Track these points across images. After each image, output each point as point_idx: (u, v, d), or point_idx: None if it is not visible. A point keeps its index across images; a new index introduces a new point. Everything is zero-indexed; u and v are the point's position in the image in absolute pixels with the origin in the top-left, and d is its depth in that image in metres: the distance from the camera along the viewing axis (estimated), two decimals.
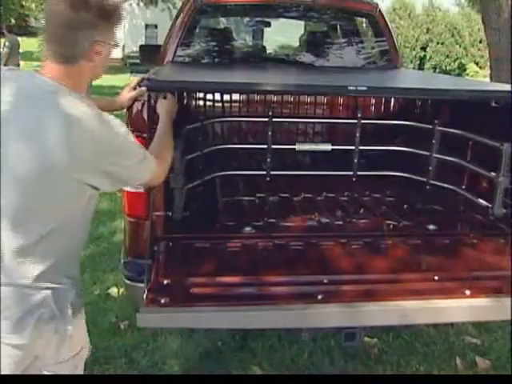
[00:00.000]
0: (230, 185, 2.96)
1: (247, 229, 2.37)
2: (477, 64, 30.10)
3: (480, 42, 28.84)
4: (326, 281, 1.94)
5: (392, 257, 2.18)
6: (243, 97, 3.64)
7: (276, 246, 2.24)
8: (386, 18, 4.03)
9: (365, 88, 2.00)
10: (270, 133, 3.03)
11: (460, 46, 30.26)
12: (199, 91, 3.39)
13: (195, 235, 2.29)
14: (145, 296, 1.81)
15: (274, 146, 3.04)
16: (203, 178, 2.74)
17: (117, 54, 30.98)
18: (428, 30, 30.36)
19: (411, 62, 29.27)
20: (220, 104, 3.67)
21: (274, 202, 2.82)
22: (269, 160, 3.04)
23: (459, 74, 27.67)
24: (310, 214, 2.61)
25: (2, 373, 1.45)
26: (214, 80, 2.59)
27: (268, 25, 4.75)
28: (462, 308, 1.89)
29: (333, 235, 2.38)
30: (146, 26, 34.34)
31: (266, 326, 2.13)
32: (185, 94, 3.24)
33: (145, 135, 2.06)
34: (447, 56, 30.10)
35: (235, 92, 3.43)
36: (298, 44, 5.14)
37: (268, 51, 4.94)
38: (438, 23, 30.30)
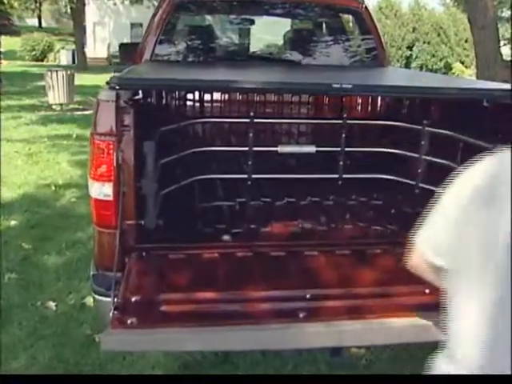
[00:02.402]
0: (208, 190, 2.82)
1: (226, 237, 2.24)
2: (462, 63, 30.32)
3: (466, 41, 29.05)
4: (308, 296, 1.80)
5: (380, 268, 2.05)
6: (223, 96, 3.49)
7: (256, 257, 2.11)
8: (373, 16, 3.91)
9: (350, 86, 1.89)
10: (251, 134, 2.89)
11: (446, 45, 30.46)
12: (171, 90, 3.20)
13: (170, 245, 2.14)
14: (111, 315, 1.65)
15: (255, 149, 2.90)
16: (180, 183, 2.59)
17: (102, 53, 30.76)
18: (414, 29, 30.52)
19: (398, 61, 29.41)
20: (199, 104, 3.52)
21: (256, 207, 2.69)
22: (250, 163, 2.90)
23: (445, 73, 27.83)
24: (293, 220, 2.48)
25: None
26: (188, 78, 2.45)
27: (251, 22, 4.60)
28: None
29: (316, 243, 2.26)
30: (132, 24, 34.04)
31: (242, 348, 1.99)
32: (163, 93, 3.08)
33: (113, 139, 1.91)
34: (433, 55, 30.28)
35: (210, 91, 3.28)
36: (282, 42, 5.01)
37: (251, 49, 4.81)
38: (424, 22, 30.47)
